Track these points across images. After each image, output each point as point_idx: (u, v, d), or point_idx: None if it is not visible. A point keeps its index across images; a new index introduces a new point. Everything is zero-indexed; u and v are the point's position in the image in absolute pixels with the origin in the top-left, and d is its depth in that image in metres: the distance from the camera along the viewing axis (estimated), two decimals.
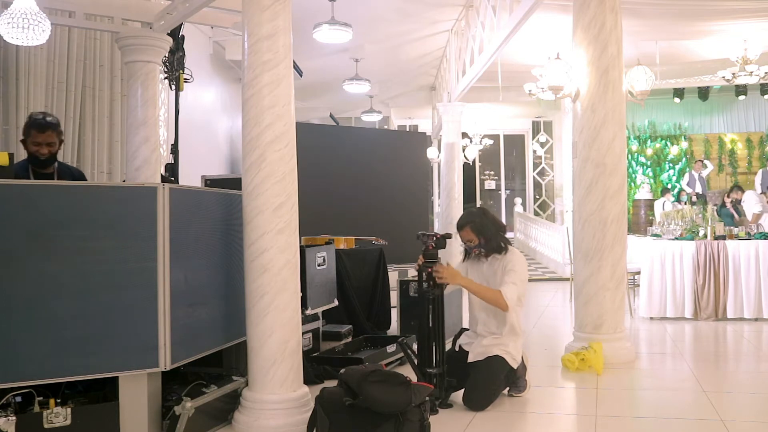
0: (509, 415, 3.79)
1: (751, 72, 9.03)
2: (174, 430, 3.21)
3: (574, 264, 5.62)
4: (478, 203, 16.19)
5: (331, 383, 3.10)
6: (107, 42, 6.27)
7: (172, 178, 5.15)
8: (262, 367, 3.39)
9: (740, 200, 10.20)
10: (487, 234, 3.91)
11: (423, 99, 13.61)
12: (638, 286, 7.32)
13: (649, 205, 14.01)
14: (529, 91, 9.55)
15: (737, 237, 7.02)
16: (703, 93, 13.79)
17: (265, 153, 3.39)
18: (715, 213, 7.90)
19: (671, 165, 15.28)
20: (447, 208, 10.32)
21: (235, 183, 4.10)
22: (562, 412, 3.99)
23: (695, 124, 15.23)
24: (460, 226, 3.96)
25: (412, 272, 6.29)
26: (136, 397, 3.21)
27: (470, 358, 3.90)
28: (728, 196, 10.72)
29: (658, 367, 5.02)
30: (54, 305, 3.05)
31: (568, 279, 8.69)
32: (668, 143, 15.29)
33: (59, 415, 3.06)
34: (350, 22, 7.51)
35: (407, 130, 15.31)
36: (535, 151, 16.13)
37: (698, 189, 13.47)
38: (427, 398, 2.97)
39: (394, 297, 6.20)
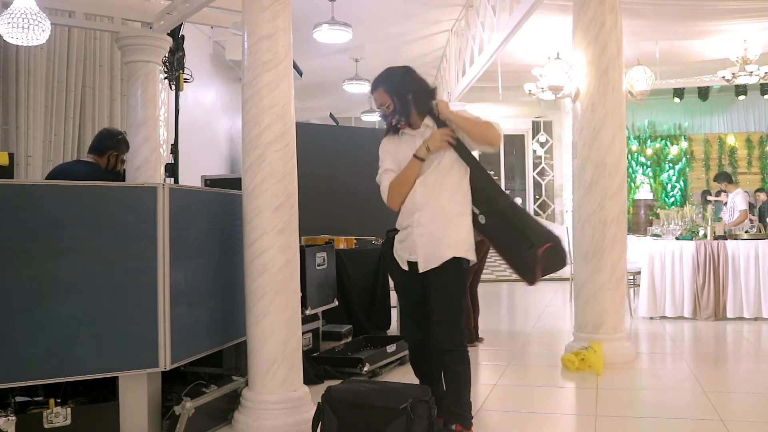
0: (509, 415, 3.79)
1: (751, 72, 9.03)
2: (174, 430, 3.21)
3: (574, 264, 5.62)
4: None
5: (331, 383, 3.10)
6: (107, 42, 6.27)
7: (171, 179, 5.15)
8: (262, 367, 3.39)
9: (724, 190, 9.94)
10: (403, 95, 3.03)
11: None
12: (638, 285, 7.32)
13: (650, 205, 14.02)
14: (529, 91, 9.56)
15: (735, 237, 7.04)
16: (703, 93, 13.78)
17: (265, 153, 3.39)
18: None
19: (671, 165, 15.28)
20: None
21: (235, 183, 4.10)
22: (562, 412, 3.99)
23: (695, 124, 15.23)
24: (374, 87, 3.11)
25: None
26: (136, 397, 3.22)
27: (422, 266, 3.06)
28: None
29: (658, 367, 5.03)
30: (54, 305, 3.05)
31: (568, 279, 8.69)
32: (668, 143, 15.29)
33: (59, 414, 3.06)
34: (350, 22, 7.51)
35: None
36: (535, 151, 16.13)
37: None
38: (432, 396, 2.97)
39: (394, 297, 6.20)
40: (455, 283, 3.03)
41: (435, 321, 3.02)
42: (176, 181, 5.17)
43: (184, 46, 5.36)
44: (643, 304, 7.03)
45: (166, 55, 5.18)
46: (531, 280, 3.04)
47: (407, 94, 3.03)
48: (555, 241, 3.03)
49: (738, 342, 5.97)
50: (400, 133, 3.11)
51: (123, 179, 4.91)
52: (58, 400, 3.14)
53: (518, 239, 3.01)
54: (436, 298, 3.02)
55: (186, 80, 5.38)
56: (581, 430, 3.54)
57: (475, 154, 3.16)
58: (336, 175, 8.11)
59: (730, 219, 8.95)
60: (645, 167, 15.35)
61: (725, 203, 9.67)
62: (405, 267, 3.11)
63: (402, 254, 3.12)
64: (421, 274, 3.04)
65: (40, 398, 3.15)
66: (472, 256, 3.05)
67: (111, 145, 4.26)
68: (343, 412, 2.93)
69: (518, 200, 14.98)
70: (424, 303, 3.11)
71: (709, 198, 10.55)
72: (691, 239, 7.06)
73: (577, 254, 5.23)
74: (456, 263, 3.01)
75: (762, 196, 10.80)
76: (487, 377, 4.61)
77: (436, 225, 3.01)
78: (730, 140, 15.01)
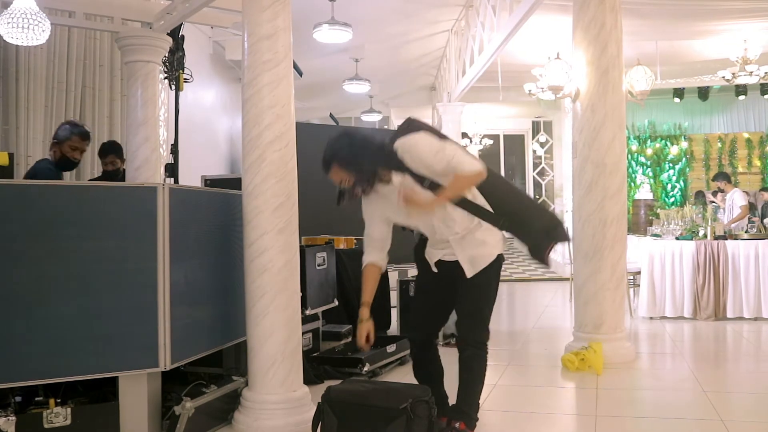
0: (509, 415, 3.79)
1: (751, 72, 9.02)
2: (174, 430, 3.21)
3: (574, 264, 5.62)
4: None
5: (331, 383, 3.10)
6: (107, 42, 6.27)
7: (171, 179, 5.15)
8: (262, 367, 3.39)
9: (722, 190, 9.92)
10: (360, 163, 2.83)
11: (423, 99, 13.60)
12: (638, 285, 7.32)
13: (650, 205, 14.01)
14: (529, 91, 9.54)
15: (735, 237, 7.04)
16: (703, 93, 13.78)
17: (265, 153, 3.39)
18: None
19: (671, 165, 15.28)
20: None
21: (235, 183, 4.10)
22: (562, 412, 3.99)
23: (695, 124, 15.22)
24: (326, 166, 2.90)
25: (412, 272, 6.30)
26: (136, 397, 3.22)
27: (469, 272, 3.03)
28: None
29: (658, 367, 5.03)
30: (54, 305, 3.05)
31: (568, 279, 8.69)
32: (668, 143, 15.29)
33: (59, 415, 3.06)
34: (350, 22, 7.50)
35: None
36: (535, 151, 16.13)
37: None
38: (432, 396, 2.97)
39: (394, 297, 6.20)
40: (493, 279, 3.06)
41: (465, 316, 3.04)
42: (176, 181, 5.17)
43: (184, 46, 5.36)
44: (643, 304, 7.03)
45: (166, 55, 5.18)
46: (546, 265, 3.31)
47: (363, 161, 2.84)
48: (556, 238, 3.11)
49: (738, 342, 5.97)
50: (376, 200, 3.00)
51: (123, 179, 4.92)
52: (58, 400, 3.14)
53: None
54: (470, 294, 3.03)
55: (186, 80, 5.39)
56: (581, 430, 3.54)
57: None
58: None
59: (729, 218, 8.95)
60: (645, 167, 15.35)
61: (722, 207, 9.66)
62: (434, 269, 3.10)
63: (434, 257, 3.11)
64: (451, 274, 3.03)
65: (40, 398, 3.14)
66: (503, 248, 3.09)
67: (53, 137, 4.35)
68: (343, 412, 2.92)
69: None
70: (443, 303, 3.14)
71: (711, 199, 10.53)
72: (691, 239, 7.05)
73: (577, 254, 5.23)
74: (499, 260, 3.05)
75: (766, 195, 10.79)
76: (488, 377, 4.57)
77: (473, 233, 3.01)
78: (730, 140, 15.01)
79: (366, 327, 3.02)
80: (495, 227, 3.04)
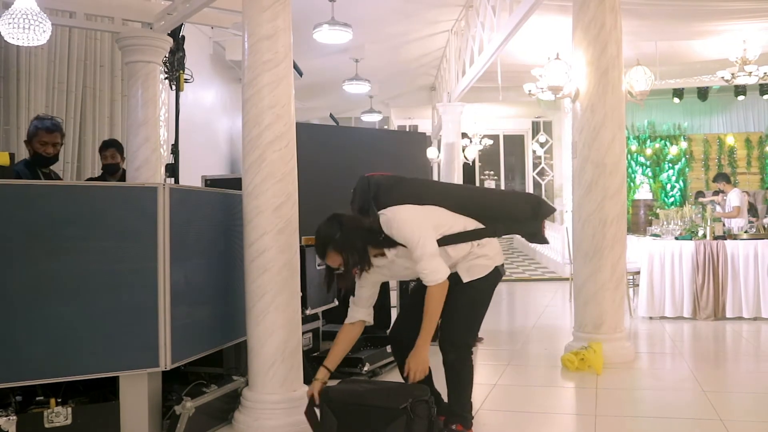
0: (509, 415, 3.79)
1: (750, 72, 9.04)
2: (174, 429, 3.22)
3: (573, 264, 5.62)
4: None
5: (331, 383, 3.11)
6: (108, 42, 6.28)
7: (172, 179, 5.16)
8: (262, 367, 3.40)
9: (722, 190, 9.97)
10: (354, 245, 2.89)
11: (423, 99, 13.62)
12: (638, 285, 7.33)
13: (649, 205, 14.04)
14: (529, 91, 9.55)
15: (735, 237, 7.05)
16: (703, 93, 13.80)
17: (265, 153, 3.40)
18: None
19: (671, 165, 15.30)
20: None
21: (235, 183, 4.10)
22: (562, 412, 4.00)
23: (694, 125, 15.25)
24: (321, 253, 2.94)
25: None
26: (136, 397, 3.22)
27: (465, 277, 3.11)
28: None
29: (657, 367, 5.03)
30: (54, 305, 3.05)
31: (568, 279, 8.70)
32: (668, 143, 15.31)
33: (60, 414, 3.07)
34: (350, 22, 7.51)
35: (407, 130, 15.31)
36: (534, 151, 16.15)
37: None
38: (432, 396, 2.98)
39: (393, 297, 6.21)
40: (487, 290, 3.13)
41: (454, 319, 3.06)
42: (176, 181, 5.18)
43: (185, 47, 5.37)
44: (642, 304, 7.03)
45: (167, 56, 5.18)
46: (546, 242, 3.43)
47: (357, 243, 2.89)
48: (544, 216, 3.28)
49: (737, 342, 5.97)
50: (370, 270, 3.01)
51: (123, 179, 4.93)
52: (59, 400, 3.15)
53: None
54: (462, 298, 3.06)
55: (186, 80, 5.39)
56: (581, 430, 3.54)
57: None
58: (336, 175, 8.08)
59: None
60: (645, 167, 15.37)
61: (718, 203, 9.68)
62: None
63: None
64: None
65: (41, 398, 3.15)
66: (502, 260, 3.19)
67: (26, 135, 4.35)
68: (343, 412, 2.93)
69: None
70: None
71: (701, 200, 10.59)
72: (691, 239, 7.06)
73: (577, 254, 5.23)
74: (497, 272, 3.13)
75: None
76: (487, 377, 4.62)
77: (473, 252, 3.09)
78: (730, 140, 15.02)
79: (317, 386, 3.01)
80: (493, 237, 3.13)
